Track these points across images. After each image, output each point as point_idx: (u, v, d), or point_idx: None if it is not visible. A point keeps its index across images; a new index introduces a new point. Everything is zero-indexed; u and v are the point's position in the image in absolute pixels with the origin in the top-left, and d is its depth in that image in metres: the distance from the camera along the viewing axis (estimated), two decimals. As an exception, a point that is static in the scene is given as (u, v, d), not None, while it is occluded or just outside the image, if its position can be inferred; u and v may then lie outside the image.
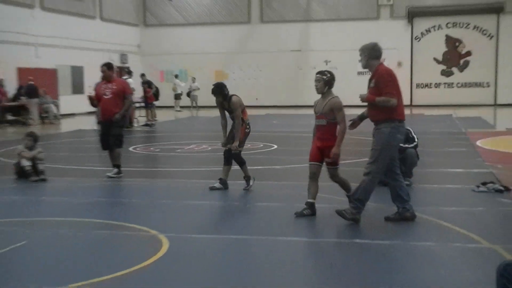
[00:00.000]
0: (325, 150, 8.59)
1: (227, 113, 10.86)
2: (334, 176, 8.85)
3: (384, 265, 6.67)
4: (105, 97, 12.33)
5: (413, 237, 7.78)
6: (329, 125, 8.58)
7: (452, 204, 9.62)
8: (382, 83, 8.22)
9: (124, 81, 13.39)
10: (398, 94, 8.24)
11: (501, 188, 10.39)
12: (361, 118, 8.88)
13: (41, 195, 11.28)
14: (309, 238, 7.98)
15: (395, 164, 8.43)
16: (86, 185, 12.08)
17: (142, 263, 6.68)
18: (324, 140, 8.60)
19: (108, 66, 12.67)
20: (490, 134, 20.11)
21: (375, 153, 8.23)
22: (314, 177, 8.78)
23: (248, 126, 10.90)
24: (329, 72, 8.78)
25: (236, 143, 10.56)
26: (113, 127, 12.35)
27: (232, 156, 10.76)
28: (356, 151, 16.39)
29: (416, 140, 11.27)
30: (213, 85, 10.82)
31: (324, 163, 8.77)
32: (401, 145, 11.08)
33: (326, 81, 8.65)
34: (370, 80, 8.52)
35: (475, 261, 6.84)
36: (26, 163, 12.34)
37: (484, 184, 10.58)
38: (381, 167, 8.23)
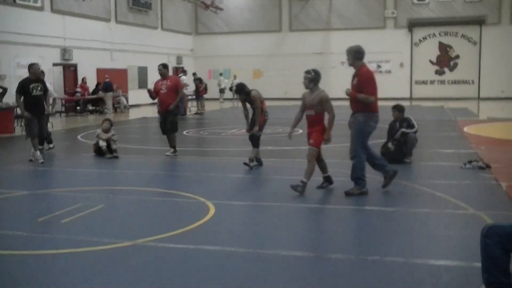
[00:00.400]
0: (312, 134, 8.42)
1: (248, 105, 10.83)
2: (309, 155, 8.47)
3: (389, 227, 6.64)
4: (162, 91, 12.41)
5: (413, 205, 7.72)
6: (316, 115, 8.39)
7: (444, 178, 9.52)
8: (364, 83, 8.14)
9: (176, 78, 13.42)
10: (375, 92, 8.22)
11: (483, 165, 10.28)
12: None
13: (114, 168, 11.37)
14: (328, 205, 7.96)
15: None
16: (149, 161, 12.16)
17: (195, 224, 6.71)
18: (312, 127, 8.42)
19: (163, 66, 12.73)
20: (475, 122, 19.87)
21: (354, 138, 8.27)
22: (317, 159, 8.59)
23: (266, 114, 10.88)
24: (314, 71, 8.54)
25: (256, 128, 10.53)
26: (169, 115, 12.41)
27: (255, 139, 10.73)
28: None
29: (416, 126, 11.18)
30: (235, 85, 10.87)
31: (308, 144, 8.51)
32: (403, 130, 11.03)
33: (310, 79, 8.45)
34: (353, 77, 8.42)
35: (463, 224, 6.82)
36: (102, 143, 12.44)
37: (470, 162, 10.46)
38: (360, 148, 8.22)
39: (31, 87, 11.59)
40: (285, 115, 24.12)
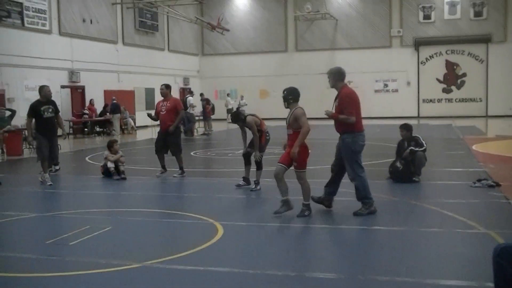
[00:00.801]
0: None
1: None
2: (300, 179, 8.20)
3: (398, 246, 6.60)
4: (162, 113, 12.48)
5: (422, 224, 7.67)
6: (294, 134, 8.14)
7: (453, 197, 9.47)
8: (344, 103, 8.19)
9: (176, 99, 13.37)
10: (357, 111, 8.24)
11: (493, 183, 10.21)
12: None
13: (122, 190, 11.38)
14: (336, 225, 7.91)
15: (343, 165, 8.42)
16: (157, 182, 12.15)
17: (203, 245, 6.69)
18: (292, 146, 8.12)
19: (166, 86, 12.84)
20: (483, 140, 19.82)
21: (348, 160, 8.25)
22: (277, 176, 8.18)
23: (267, 134, 10.84)
24: (287, 90, 8.41)
25: (257, 153, 10.48)
26: (170, 137, 12.42)
27: (249, 158, 10.81)
28: (380, 154, 16.24)
29: (424, 145, 11.14)
30: (231, 115, 10.88)
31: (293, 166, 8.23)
32: (412, 148, 10.99)
33: (283, 98, 8.34)
34: (335, 99, 8.47)
35: (473, 243, 6.76)
36: (110, 165, 12.47)
37: (479, 180, 10.42)
38: (357, 168, 8.21)
39: (42, 109, 11.66)
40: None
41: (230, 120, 10.88)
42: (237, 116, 10.75)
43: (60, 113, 12.23)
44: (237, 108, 35.26)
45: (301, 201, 8.23)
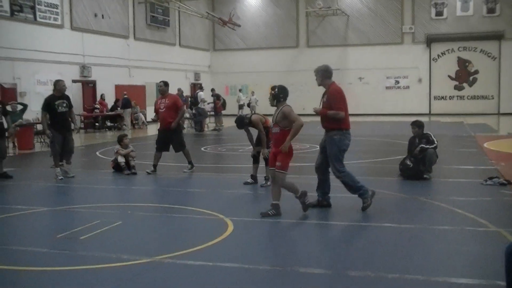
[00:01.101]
0: (278, 155, 7.87)
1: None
2: (278, 179, 7.86)
3: (408, 244, 6.58)
4: (161, 110, 12.42)
5: (432, 222, 7.65)
6: (281, 132, 7.87)
7: (464, 195, 9.44)
8: (333, 100, 8.21)
9: (175, 96, 13.24)
10: (345, 108, 8.27)
11: (504, 182, 10.17)
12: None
13: (132, 185, 11.42)
14: (346, 222, 7.89)
15: (328, 163, 8.42)
16: (167, 177, 12.19)
17: (213, 241, 6.71)
18: (278, 146, 7.87)
19: (164, 83, 12.72)
20: (495, 138, 19.70)
21: (333, 158, 8.25)
22: (275, 181, 7.97)
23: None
24: (279, 87, 8.12)
25: (265, 150, 10.43)
26: (172, 134, 12.37)
27: (258, 156, 10.77)
28: (390, 151, 16.21)
29: (435, 142, 11.10)
30: (235, 122, 10.76)
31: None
32: (423, 145, 10.96)
33: (273, 95, 8.04)
34: (323, 96, 8.47)
35: (483, 241, 6.74)
36: (121, 159, 12.52)
37: (490, 178, 10.37)
38: (339, 165, 8.25)
39: (57, 104, 11.70)
40: (302, 131, 24.11)
41: (236, 127, 10.78)
42: (242, 122, 10.64)
43: (72, 108, 12.25)
44: (248, 104, 35.35)
45: (310, 198, 8.22)
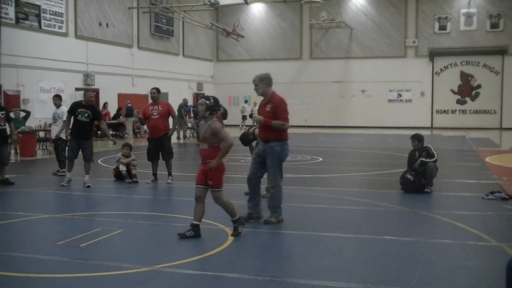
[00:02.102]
0: (208, 173, 7.31)
1: None
2: (217, 199, 7.44)
3: (409, 257, 6.55)
4: (153, 117, 12.12)
5: (434, 236, 7.62)
6: (210, 149, 7.28)
7: (466, 209, 9.41)
8: (279, 109, 8.07)
9: (168, 103, 13.17)
10: (288, 119, 8.18)
11: (506, 196, 10.15)
12: None
13: (133, 193, 11.41)
14: (348, 234, 7.85)
15: (263, 175, 8.37)
16: (168, 186, 12.17)
17: (213, 250, 6.70)
18: (206, 164, 7.27)
19: (157, 90, 12.58)
20: (497, 152, 19.69)
21: (273, 168, 8.13)
22: (199, 199, 7.44)
23: None
24: (214, 98, 7.43)
25: None
26: (163, 142, 12.18)
27: None
28: (392, 163, 16.20)
29: (435, 155, 11.09)
30: (240, 140, 10.68)
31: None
32: (423, 159, 10.94)
33: (208, 106, 7.27)
34: (264, 105, 8.33)
35: (485, 255, 6.71)
36: (122, 168, 12.52)
37: (492, 193, 10.36)
38: (279, 176, 8.19)
39: (78, 111, 11.81)
40: (304, 143, 24.14)
41: (242, 144, 10.79)
42: (247, 138, 10.58)
43: (102, 121, 12.43)
44: (250, 115, 35.37)
45: (311, 210, 8.21)
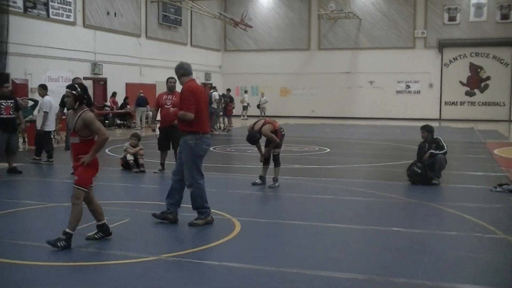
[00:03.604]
0: (77, 168, 6.51)
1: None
2: (75, 198, 6.44)
3: (416, 249, 6.54)
4: (166, 106, 11.81)
5: (440, 227, 7.61)
6: (81, 143, 6.47)
7: (473, 201, 9.39)
8: (183, 98, 7.45)
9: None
10: (199, 108, 7.39)
11: (514, 189, 10.11)
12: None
13: (140, 183, 11.44)
14: (354, 225, 7.83)
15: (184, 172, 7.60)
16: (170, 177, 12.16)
17: (220, 240, 6.72)
18: (78, 159, 6.46)
19: (175, 80, 12.43)
20: (505, 145, 19.61)
21: (187, 165, 7.46)
22: (85, 200, 6.61)
23: (282, 130, 10.69)
24: (81, 87, 6.67)
25: (265, 155, 10.64)
26: (173, 132, 11.73)
27: (268, 157, 10.72)
28: (399, 155, 16.16)
29: (445, 147, 11.03)
30: (247, 140, 10.66)
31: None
32: (432, 151, 10.90)
33: (76, 97, 6.51)
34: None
35: (492, 248, 6.69)
36: (130, 157, 12.55)
37: (500, 185, 10.33)
38: (196, 174, 7.48)
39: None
40: (312, 134, 24.10)
41: (249, 144, 10.79)
42: (254, 138, 10.54)
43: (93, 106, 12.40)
44: (258, 106, 35.37)
45: (318, 201, 8.19)
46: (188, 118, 7.32)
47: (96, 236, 6.70)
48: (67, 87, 6.67)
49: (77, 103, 6.52)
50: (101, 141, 6.43)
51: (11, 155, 12.32)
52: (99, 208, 6.75)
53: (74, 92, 6.56)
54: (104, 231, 6.75)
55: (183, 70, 7.67)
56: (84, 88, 6.67)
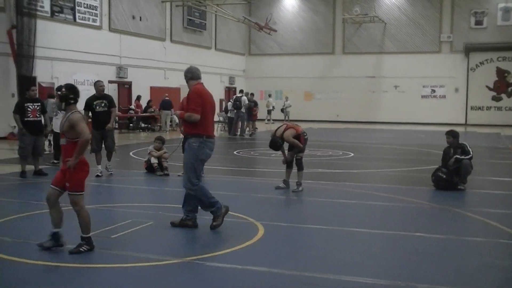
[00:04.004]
0: (66, 173, 6.33)
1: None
2: (74, 204, 6.35)
3: (439, 254, 6.49)
4: None
5: (466, 233, 7.53)
6: (69, 145, 6.31)
7: (499, 207, 9.29)
8: (190, 100, 7.42)
9: None
10: (205, 112, 7.35)
11: (542, 195, 9.97)
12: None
13: (164, 186, 11.50)
14: (376, 229, 7.79)
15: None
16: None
17: (243, 244, 6.73)
18: (66, 162, 6.32)
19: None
20: (533, 150, 19.35)
21: (187, 166, 7.40)
22: (49, 201, 6.45)
23: (305, 134, 10.63)
24: (66, 87, 6.54)
25: (288, 158, 10.62)
26: None
27: (291, 161, 10.69)
28: (424, 160, 16.06)
29: (471, 153, 10.92)
30: (270, 146, 10.64)
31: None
32: (458, 156, 10.80)
33: (62, 97, 6.41)
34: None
35: (517, 255, 6.60)
36: (154, 160, 12.63)
37: (526, 191, 10.19)
38: (193, 177, 7.33)
39: (95, 104, 12.07)
40: (336, 138, 24.04)
41: (272, 150, 10.80)
42: (277, 144, 10.53)
43: (114, 108, 12.54)
44: (282, 110, 35.35)
45: (341, 205, 8.17)
46: (194, 120, 7.27)
47: (81, 249, 6.28)
48: (57, 88, 6.48)
49: (63, 103, 6.41)
50: (82, 142, 6.20)
51: (37, 157, 12.49)
52: (59, 215, 6.46)
53: (59, 92, 6.58)
54: (56, 240, 6.38)
55: (191, 74, 7.67)
56: (69, 88, 6.53)
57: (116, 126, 27.26)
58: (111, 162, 12.63)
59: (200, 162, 7.44)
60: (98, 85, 12.36)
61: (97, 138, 12.18)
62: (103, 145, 12.38)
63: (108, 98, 12.41)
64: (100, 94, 12.24)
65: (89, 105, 12.06)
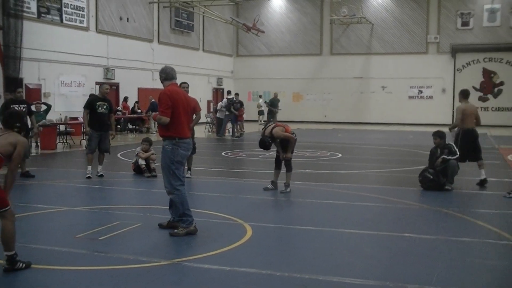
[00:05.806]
0: None
1: None
2: (3, 218, 5.64)
3: (429, 255, 6.50)
4: None
5: (454, 233, 7.54)
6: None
7: (487, 207, 9.34)
8: (159, 102, 7.27)
9: (195, 99, 13.06)
10: (176, 113, 7.18)
11: (528, 195, 10.02)
12: None
13: (152, 187, 11.45)
14: (367, 230, 7.80)
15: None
16: (188, 181, 12.16)
17: (231, 245, 6.71)
18: None
19: (188, 85, 12.44)
20: (519, 150, 19.46)
21: (165, 171, 7.30)
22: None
23: (294, 134, 10.62)
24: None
25: (289, 154, 10.51)
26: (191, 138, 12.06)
27: (280, 162, 10.69)
28: (412, 160, 16.11)
29: (457, 153, 10.97)
30: (259, 146, 10.65)
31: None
32: (444, 156, 10.84)
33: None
34: None
35: (505, 254, 6.66)
36: (141, 162, 12.58)
37: (513, 191, 10.24)
38: (174, 180, 7.23)
39: (98, 104, 12.12)
40: (324, 139, 24.07)
41: (263, 150, 10.78)
42: (266, 143, 10.52)
43: (112, 114, 12.61)
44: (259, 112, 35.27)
45: (330, 206, 8.17)
46: (163, 122, 7.16)
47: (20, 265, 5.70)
48: None
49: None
50: (15, 165, 5.99)
51: (24, 159, 12.38)
52: (10, 235, 5.67)
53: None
54: (12, 264, 5.66)
55: (165, 75, 7.51)
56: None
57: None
58: (101, 166, 12.54)
59: (178, 164, 7.29)
60: (104, 87, 12.56)
61: (96, 140, 12.20)
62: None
63: (110, 102, 12.48)
64: (103, 96, 12.37)
65: (91, 104, 12.11)
